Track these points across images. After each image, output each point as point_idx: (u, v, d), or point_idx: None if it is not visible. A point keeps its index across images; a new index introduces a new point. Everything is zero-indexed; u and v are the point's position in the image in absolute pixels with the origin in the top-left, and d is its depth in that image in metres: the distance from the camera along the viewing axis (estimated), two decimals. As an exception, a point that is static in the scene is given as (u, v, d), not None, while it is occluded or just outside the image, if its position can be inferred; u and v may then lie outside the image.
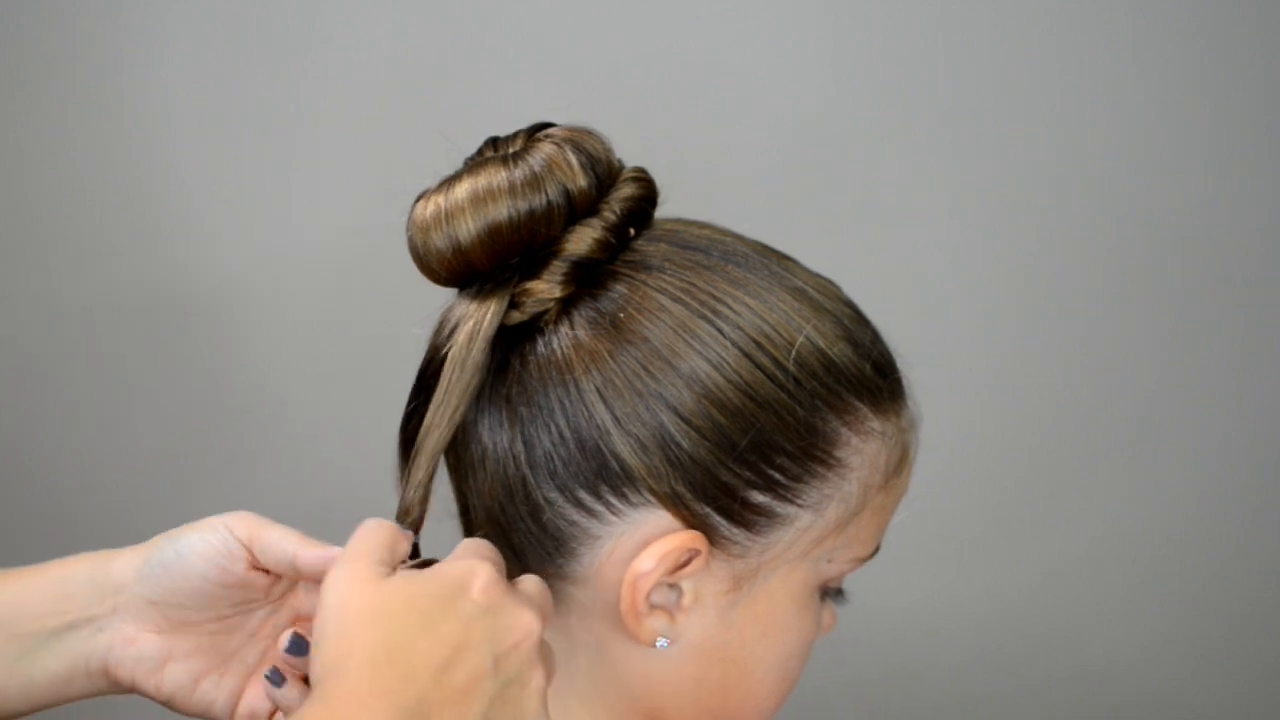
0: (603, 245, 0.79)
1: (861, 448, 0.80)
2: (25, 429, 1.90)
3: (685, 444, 0.76)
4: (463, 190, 0.77)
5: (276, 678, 0.78)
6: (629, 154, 0.83)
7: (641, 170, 0.82)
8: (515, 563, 0.80)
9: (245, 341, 1.87)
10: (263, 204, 1.84)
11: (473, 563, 0.73)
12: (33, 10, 1.80)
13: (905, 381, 0.83)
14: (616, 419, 0.76)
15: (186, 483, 1.87)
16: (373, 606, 0.70)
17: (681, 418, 0.76)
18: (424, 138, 1.66)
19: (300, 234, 1.84)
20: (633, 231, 0.82)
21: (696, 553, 0.77)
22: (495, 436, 0.79)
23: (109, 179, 1.83)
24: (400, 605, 0.70)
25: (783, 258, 0.82)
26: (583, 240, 0.79)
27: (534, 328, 0.79)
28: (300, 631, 0.78)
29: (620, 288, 0.79)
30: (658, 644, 0.79)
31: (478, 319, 0.77)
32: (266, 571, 0.80)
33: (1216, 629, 1.84)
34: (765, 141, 1.76)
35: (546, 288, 0.78)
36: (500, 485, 0.79)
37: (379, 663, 0.67)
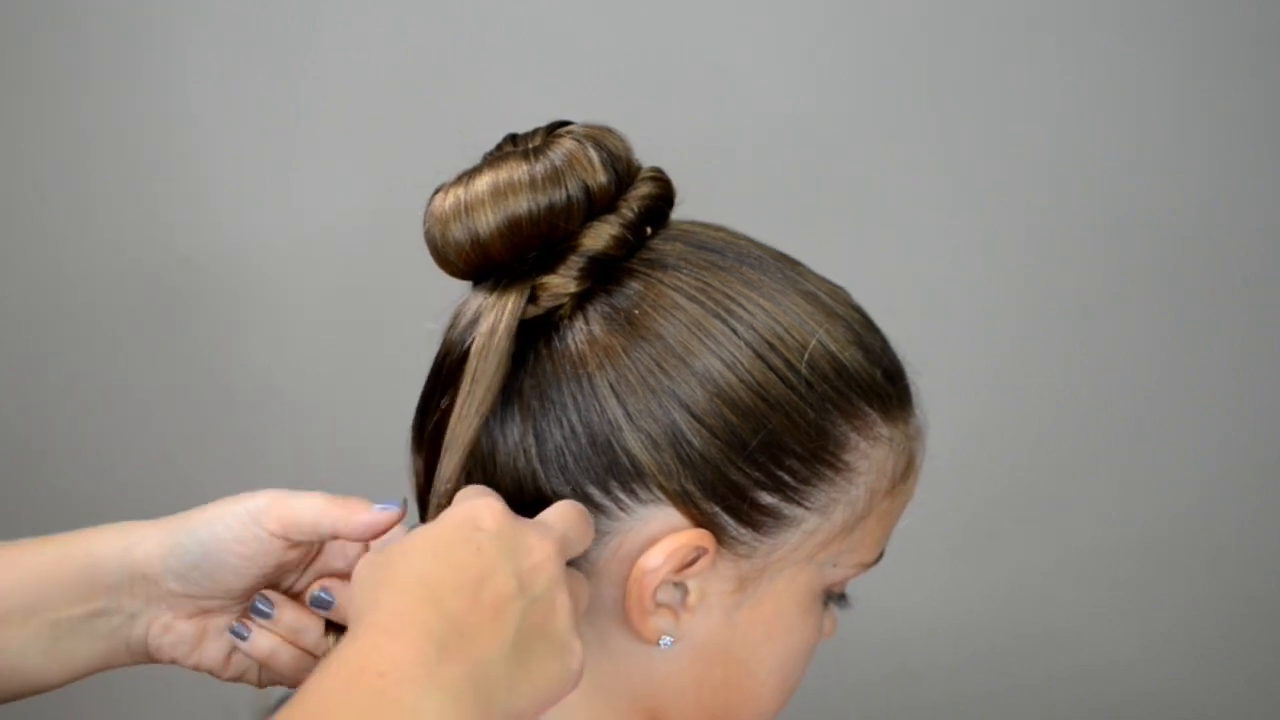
0: (620, 242, 0.79)
1: (869, 453, 0.80)
2: (29, 417, 1.90)
3: (696, 442, 0.77)
4: (483, 183, 0.77)
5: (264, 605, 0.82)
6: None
7: (659, 170, 0.82)
8: None
9: (253, 332, 1.87)
10: (271, 196, 1.84)
11: (478, 500, 0.73)
12: (41, 3, 1.79)
13: (913, 389, 0.83)
14: (629, 415, 0.77)
15: (191, 471, 1.88)
16: (396, 555, 0.70)
17: (694, 415, 0.77)
18: (431, 131, 1.67)
19: (309, 226, 1.84)
20: (649, 230, 0.82)
21: (704, 551, 0.78)
22: (506, 430, 0.79)
23: (116, 175, 1.83)
24: (420, 545, 0.70)
25: (795, 263, 0.83)
26: (600, 236, 0.79)
27: (548, 322, 0.79)
28: (326, 585, 0.81)
29: (636, 285, 0.79)
30: (662, 642, 0.80)
31: (500, 311, 0.78)
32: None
33: (1216, 629, 1.85)
34: (765, 142, 1.76)
35: (563, 282, 0.78)
36: (510, 479, 0.79)
37: (408, 590, 0.67)
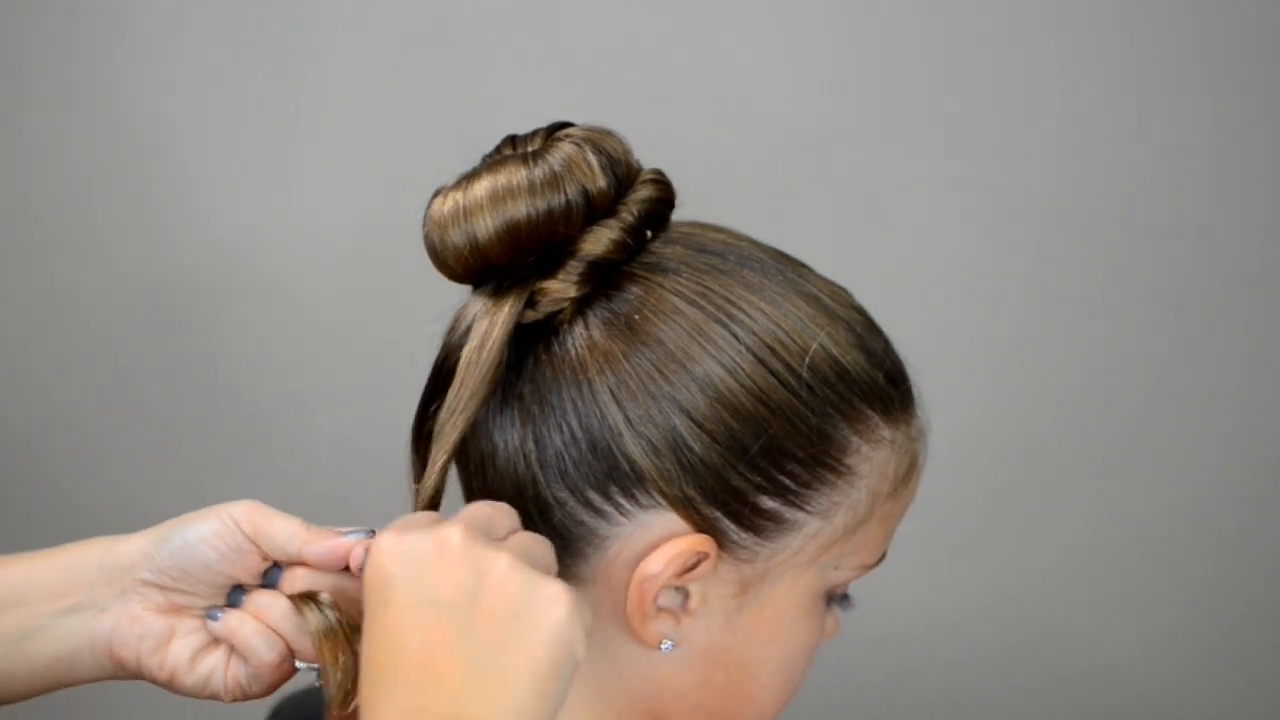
0: (620, 246, 0.79)
1: (871, 456, 0.80)
2: (29, 424, 1.90)
3: (697, 447, 0.76)
4: (482, 188, 0.77)
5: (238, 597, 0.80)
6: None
7: (659, 172, 0.82)
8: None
9: (253, 337, 1.87)
10: (269, 198, 1.84)
11: (446, 523, 0.73)
12: (38, 7, 1.79)
13: (915, 391, 0.83)
14: (629, 420, 0.76)
15: (191, 478, 1.87)
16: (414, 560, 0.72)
17: (694, 421, 0.76)
18: (431, 133, 1.67)
19: (309, 230, 1.84)
20: (649, 233, 0.82)
21: (705, 556, 0.77)
22: (506, 435, 0.79)
23: (115, 175, 1.83)
24: (398, 567, 0.71)
25: (797, 264, 0.82)
26: (600, 241, 0.78)
27: (548, 327, 0.79)
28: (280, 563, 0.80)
29: (636, 289, 0.79)
30: (663, 646, 0.80)
31: (494, 317, 0.77)
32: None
33: (1216, 629, 1.85)
34: (765, 143, 1.76)
35: (562, 287, 0.78)
36: (510, 484, 0.79)
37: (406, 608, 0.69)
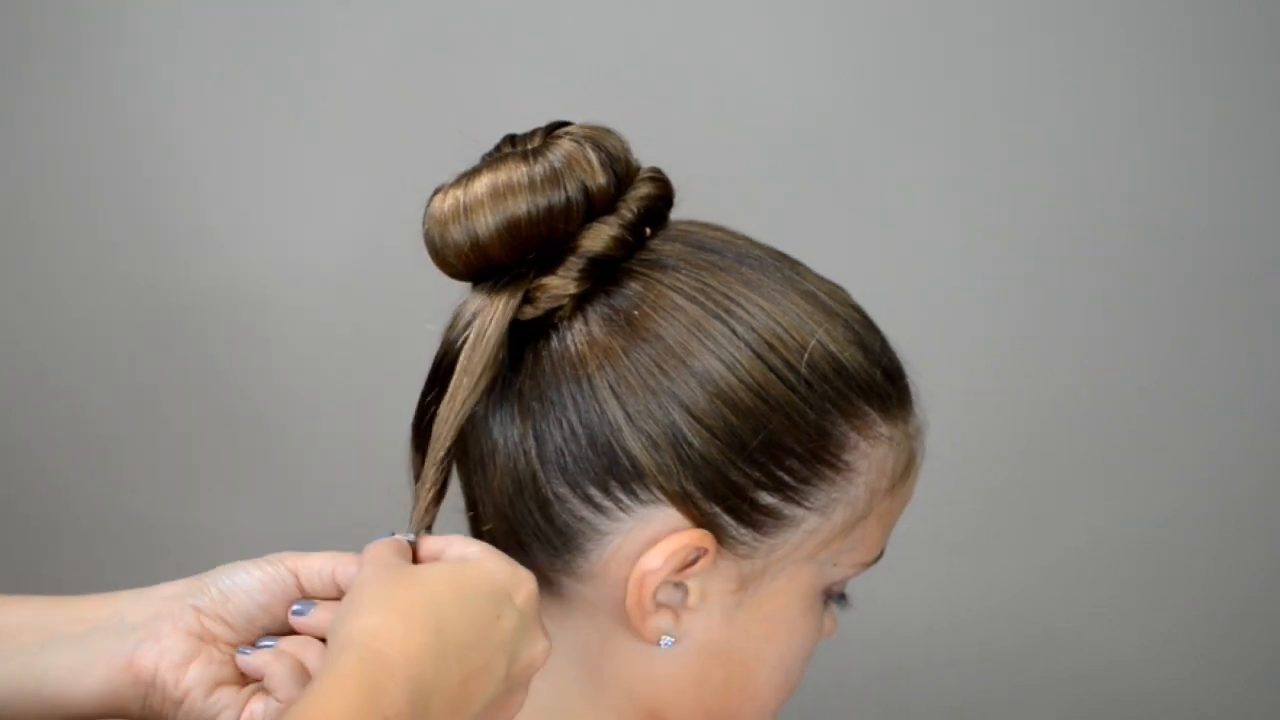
0: (619, 243, 0.79)
1: (869, 453, 0.80)
2: (34, 433, 1.90)
3: (696, 443, 0.77)
4: (482, 185, 0.77)
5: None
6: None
7: (658, 170, 0.82)
8: (522, 558, 0.80)
9: (253, 339, 1.87)
10: (270, 201, 1.84)
11: (521, 570, 0.74)
12: (39, 11, 1.79)
13: (913, 388, 0.83)
14: (629, 416, 0.77)
15: (195, 484, 1.87)
16: (423, 575, 0.72)
17: (693, 416, 0.77)
18: (431, 134, 1.66)
19: (308, 230, 1.84)
20: (648, 231, 0.82)
21: (704, 552, 0.78)
22: (506, 431, 0.79)
23: (115, 177, 1.83)
24: (448, 582, 0.72)
25: (794, 262, 0.83)
26: (600, 237, 0.79)
27: (548, 323, 0.79)
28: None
29: (635, 285, 0.79)
30: (662, 642, 0.80)
31: (491, 313, 0.78)
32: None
33: (1216, 629, 1.85)
34: (765, 142, 1.76)
35: (562, 284, 0.78)
36: (510, 480, 0.79)
37: (417, 626, 0.69)
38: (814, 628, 0.84)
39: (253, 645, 0.77)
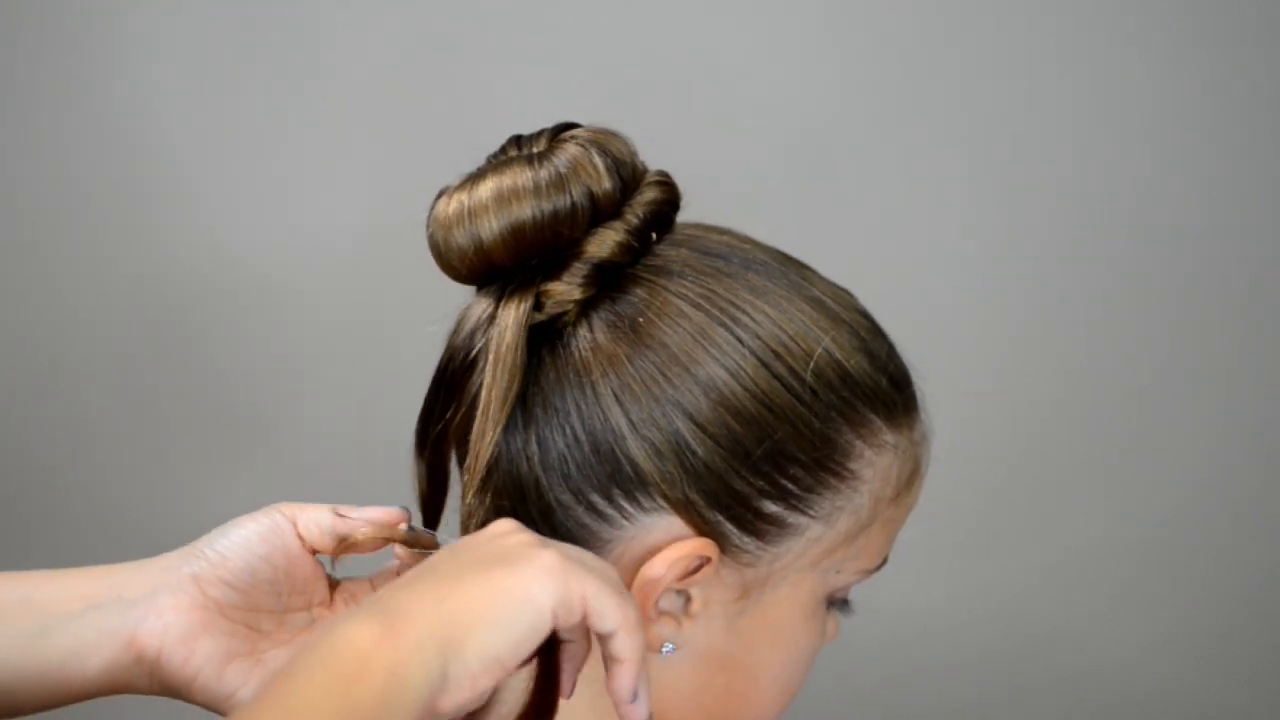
0: (624, 248, 0.79)
1: (874, 460, 0.80)
2: (32, 429, 1.90)
3: (700, 451, 0.76)
4: (487, 189, 0.77)
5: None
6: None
7: (664, 174, 0.82)
8: None
9: (251, 337, 1.87)
10: (269, 200, 1.84)
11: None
12: (37, 10, 1.79)
13: (919, 395, 0.83)
14: (632, 423, 0.76)
15: (192, 481, 1.87)
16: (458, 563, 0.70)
17: (697, 424, 0.76)
18: (432, 135, 1.67)
19: (309, 230, 1.84)
20: (654, 235, 0.81)
21: (707, 560, 0.77)
22: (510, 437, 0.79)
23: (116, 179, 1.83)
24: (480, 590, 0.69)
25: (801, 266, 0.82)
26: (604, 243, 0.78)
27: (552, 329, 0.79)
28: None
29: (640, 292, 0.78)
30: (664, 650, 0.79)
31: (504, 322, 0.77)
32: (312, 554, 0.79)
33: (1216, 629, 1.85)
34: (771, 145, 1.76)
35: (567, 289, 0.77)
36: (513, 486, 0.78)
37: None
38: (816, 634, 0.83)
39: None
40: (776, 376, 0.77)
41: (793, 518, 0.78)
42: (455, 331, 0.80)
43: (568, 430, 0.77)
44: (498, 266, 0.78)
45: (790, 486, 0.78)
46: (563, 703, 0.81)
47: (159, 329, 1.86)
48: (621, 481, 0.77)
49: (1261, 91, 1.73)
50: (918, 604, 1.83)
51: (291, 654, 0.78)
